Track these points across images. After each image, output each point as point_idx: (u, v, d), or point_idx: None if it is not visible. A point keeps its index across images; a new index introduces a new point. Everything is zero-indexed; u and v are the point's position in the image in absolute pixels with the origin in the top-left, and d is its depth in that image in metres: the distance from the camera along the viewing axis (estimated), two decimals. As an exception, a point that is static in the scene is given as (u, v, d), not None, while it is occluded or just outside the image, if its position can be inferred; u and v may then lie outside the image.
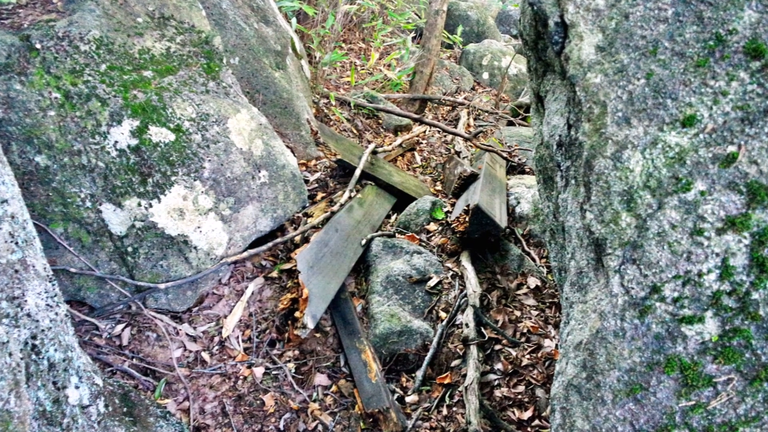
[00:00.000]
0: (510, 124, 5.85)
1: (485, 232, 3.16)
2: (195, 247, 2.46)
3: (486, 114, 5.99)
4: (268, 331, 2.58)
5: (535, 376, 2.44)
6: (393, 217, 3.78)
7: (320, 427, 2.27)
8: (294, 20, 4.79)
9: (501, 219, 3.24)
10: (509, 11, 10.14)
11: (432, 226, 3.52)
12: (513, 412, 2.30)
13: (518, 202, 3.67)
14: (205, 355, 2.39)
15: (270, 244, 2.78)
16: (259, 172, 2.75)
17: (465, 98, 6.61)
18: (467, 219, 3.17)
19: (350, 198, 3.49)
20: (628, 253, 1.23)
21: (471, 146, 4.98)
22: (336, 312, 2.76)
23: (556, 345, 2.58)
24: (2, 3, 2.20)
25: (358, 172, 3.68)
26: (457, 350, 2.59)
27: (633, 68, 1.24)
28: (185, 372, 2.29)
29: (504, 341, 2.63)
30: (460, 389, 2.41)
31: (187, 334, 2.43)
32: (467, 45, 7.90)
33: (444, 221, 3.54)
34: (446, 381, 2.49)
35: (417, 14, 7.94)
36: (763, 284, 1.13)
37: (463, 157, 4.62)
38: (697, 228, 1.17)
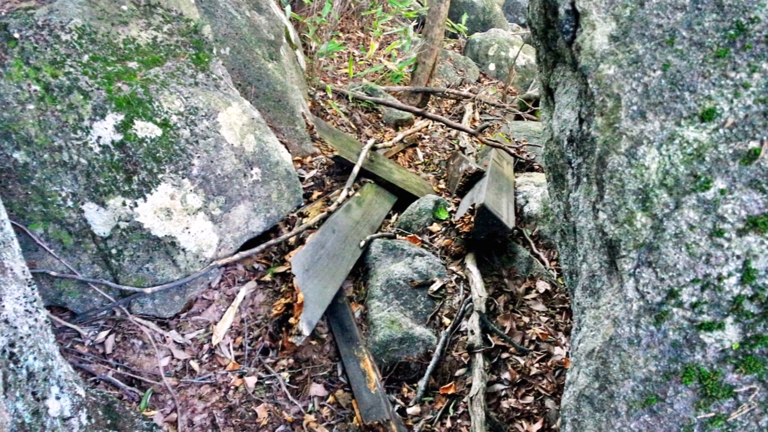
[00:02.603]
0: (518, 118, 5.85)
1: (491, 233, 3.16)
2: (183, 249, 2.46)
3: (492, 108, 6.00)
4: (260, 339, 2.58)
5: (544, 386, 2.44)
6: (393, 217, 3.78)
7: (316, 441, 2.27)
8: (288, 8, 4.79)
9: (508, 219, 3.24)
10: (517, -2, 10.14)
11: (435, 227, 3.52)
12: (521, 425, 2.30)
13: (527, 202, 3.67)
14: (194, 364, 2.39)
15: (263, 246, 2.78)
16: (252, 169, 2.75)
17: (470, 91, 6.61)
18: (472, 219, 3.17)
19: (348, 197, 3.49)
20: (643, 256, 1.23)
21: (476, 142, 4.98)
22: (333, 318, 2.76)
23: (567, 353, 2.58)
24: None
25: (356, 170, 3.68)
26: (462, 359, 2.59)
27: (649, 59, 1.24)
28: (173, 382, 2.29)
29: (511, 349, 2.63)
30: (464, 400, 2.41)
31: (174, 342, 2.43)
32: (472, 34, 7.90)
33: (448, 221, 3.54)
34: (450, 391, 2.49)
35: (419, 1, 7.94)
36: (786, 288, 1.13)
37: (468, 154, 4.63)
38: (717, 229, 1.17)
